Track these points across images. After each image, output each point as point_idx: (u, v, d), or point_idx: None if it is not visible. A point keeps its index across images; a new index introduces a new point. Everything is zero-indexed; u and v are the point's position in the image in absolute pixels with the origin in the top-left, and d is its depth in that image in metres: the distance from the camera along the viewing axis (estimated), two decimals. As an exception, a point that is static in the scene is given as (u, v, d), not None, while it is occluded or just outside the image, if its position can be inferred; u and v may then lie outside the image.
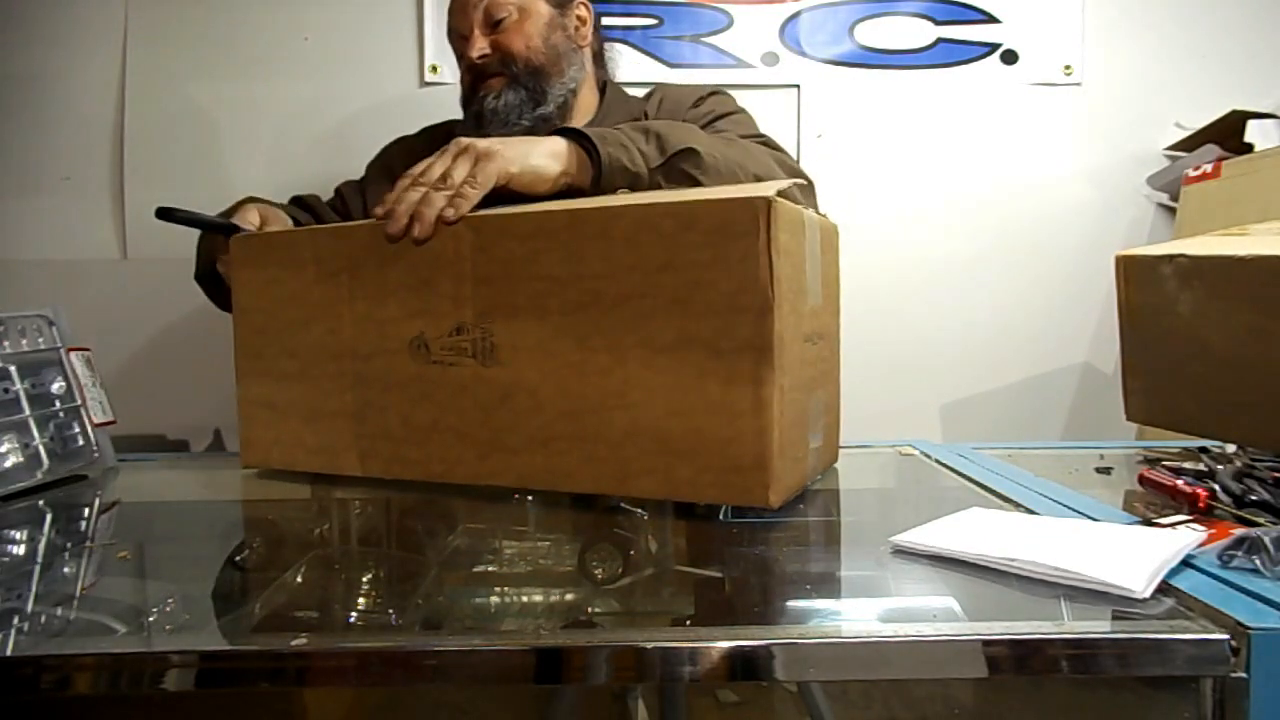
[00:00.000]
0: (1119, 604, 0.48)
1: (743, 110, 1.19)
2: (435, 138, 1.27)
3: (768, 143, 1.09)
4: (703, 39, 1.55)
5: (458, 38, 1.17)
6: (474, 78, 1.15)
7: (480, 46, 1.13)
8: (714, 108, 1.16)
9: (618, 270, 0.70)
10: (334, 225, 0.84)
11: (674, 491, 0.70)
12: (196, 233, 1.50)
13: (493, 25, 1.13)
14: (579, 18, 1.20)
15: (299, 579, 0.59)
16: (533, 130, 1.13)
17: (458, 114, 1.28)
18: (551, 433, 0.74)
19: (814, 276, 0.75)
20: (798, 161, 1.53)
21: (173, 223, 0.95)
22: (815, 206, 0.98)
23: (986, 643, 0.44)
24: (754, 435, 0.66)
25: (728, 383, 0.67)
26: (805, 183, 1.01)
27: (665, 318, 0.69)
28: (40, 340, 0.89)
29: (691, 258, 0.67)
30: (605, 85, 1.26)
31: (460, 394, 0.78)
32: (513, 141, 0.85)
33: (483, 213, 0.77)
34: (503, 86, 1.13)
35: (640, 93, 1.27)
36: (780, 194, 0.67)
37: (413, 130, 1.32)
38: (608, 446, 0.71)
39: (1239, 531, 0.54)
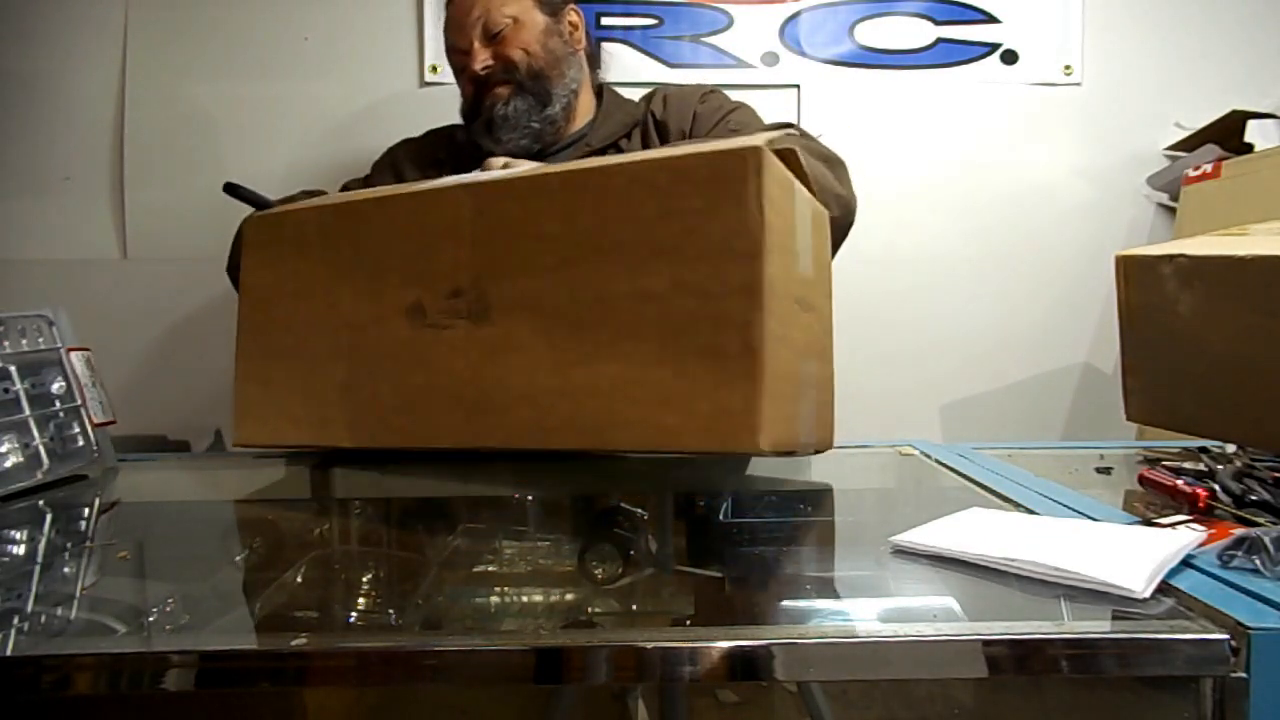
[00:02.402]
0: (1119, 604, 0.48)
1: (743, 104, 1.22)
2: (438, 140, 1.28)
3: (804, 132, 1.13)
4: (703, 39, 1.55)
5: (457, 53, 1.19)
6: (477, 89, 1.18)
7: (483, 59, 1.16)
8: (722, 103, 1.20)
9: (610, 223, 0.71)
10: (339, 202, 0.86)
11: (662, 441, 0.69)
12: (196, 233, 1.51)
13: (491, 37, 1.16)
14: (571, 23, 1.23)
15: (299, 579, 0.59)
16: (541, 132, 1.17)
17: (456, 113, 1.28)
18: (540, 388, 0.74)
19: (804, 245, 0.76)
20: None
21: (236, 198, 0.98)
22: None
23: (986, 643, 0.44)
24: (742, 377, 0.66)
25: (718, 326, 0.67)
26: (836, 160, 1.06)
27: (657, 265, 0.69)
28: (40, 340, 0.89)
29: (684, 206, 0.68)
30: (601, 89, 1.28)
31: (451, 356, 0.78)
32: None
33: (481, 179, 0.78)
34: (510, 94, 1.16)
35: (635, 93, 1.28)
36: (779, 153, 0.69)
37: (414, 130, 1.33)
38: (596, 399, 0.71)
39: (1239, 531, 0.54)
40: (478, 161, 1.10)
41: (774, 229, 0.67)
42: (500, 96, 1.16)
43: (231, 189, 1.00)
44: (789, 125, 1.14)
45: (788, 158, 0.75)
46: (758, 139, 0.69)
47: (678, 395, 0.68)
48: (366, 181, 1.26)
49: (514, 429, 0.75)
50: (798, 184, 0.75)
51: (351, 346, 0.83)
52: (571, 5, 1.23)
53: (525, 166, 0.98)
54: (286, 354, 0.87)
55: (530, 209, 0.75)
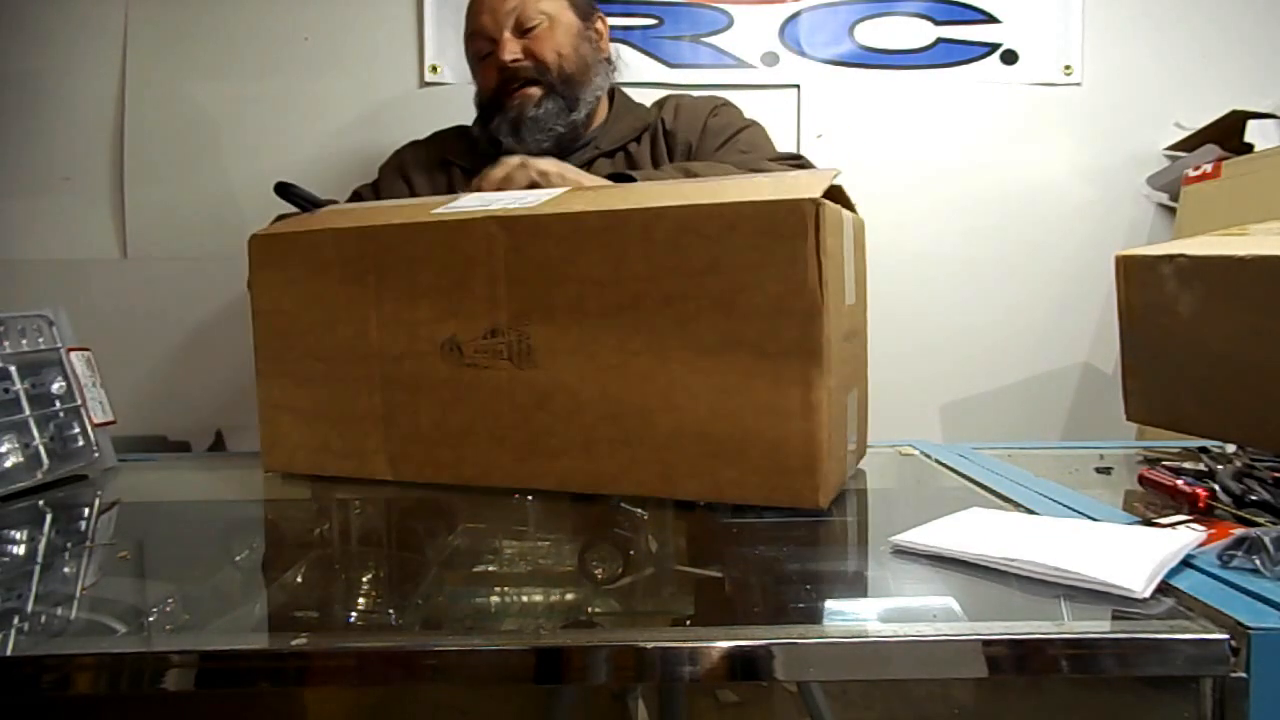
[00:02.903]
0: (1119, 604, 0.48)
1: (754, 122, 1.23)
2: (446, 141, 1.28)
3: (801, 163, 1.12)
4: (703, 39, 1.55)
5: (482, 39, 1.17)
6: (503, 81, 1.16)
7: (513, 50, 1.15)
8: (731, 120, 1.21)
9: (660, 272, 0.69)
10: (359, 225, 0.83)
11: (720, 494, 0.70)
12: (196, 232, 1.51)
13: (523, 32, 1.15)
14: (598, 30, 1.23)
15: (299, 579, 0.59)
16: (563, 135, 1.17)
17: (456, 113, 1.28)
18: (593, 436, 0.73)
19: (849, 275, 0.75)
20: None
21: (287, 200, 0.97)
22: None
23: (986, 643, 0.44)
24: (803, 437, 0.66)
25: (775, 385, 0.66)
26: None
27: (710, 320, 0.68)
28: (40, 340, 0.89)
29: (737, 260, 0.67)
30: (614, 92, 1.28)
31: (496, 397, 0.76)
32: (573, 174, 0.96)
33: (516, 212, 0.75)
34: (542, 96, 1.15)
35: (635, 93, 1.28)
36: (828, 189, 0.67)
37: (414, 130, 1.33)
38: (651, 449, 0.71)
39: (1239, 531, 0.54)
40: (491, 158, 1.10)
41: (830, 282, 0.66)
42: (531, 97, 1.15)
43: (283, 190, 0.98)
44: (797, 156, 1.14)
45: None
46: (813, 185, 0.67)
47: (735, 451, 0.68)
48: (375, 187, 1.25)
49: (567, 474, 0.75)
50: (843, 210, 0.74)
51: (385, 378, 0.81)
52: (599, 12, 1.23)
53: (544, 163, 0.98)
54: (315, 381, 0.85)
55: (571, 249, 0.72)
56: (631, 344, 0.71)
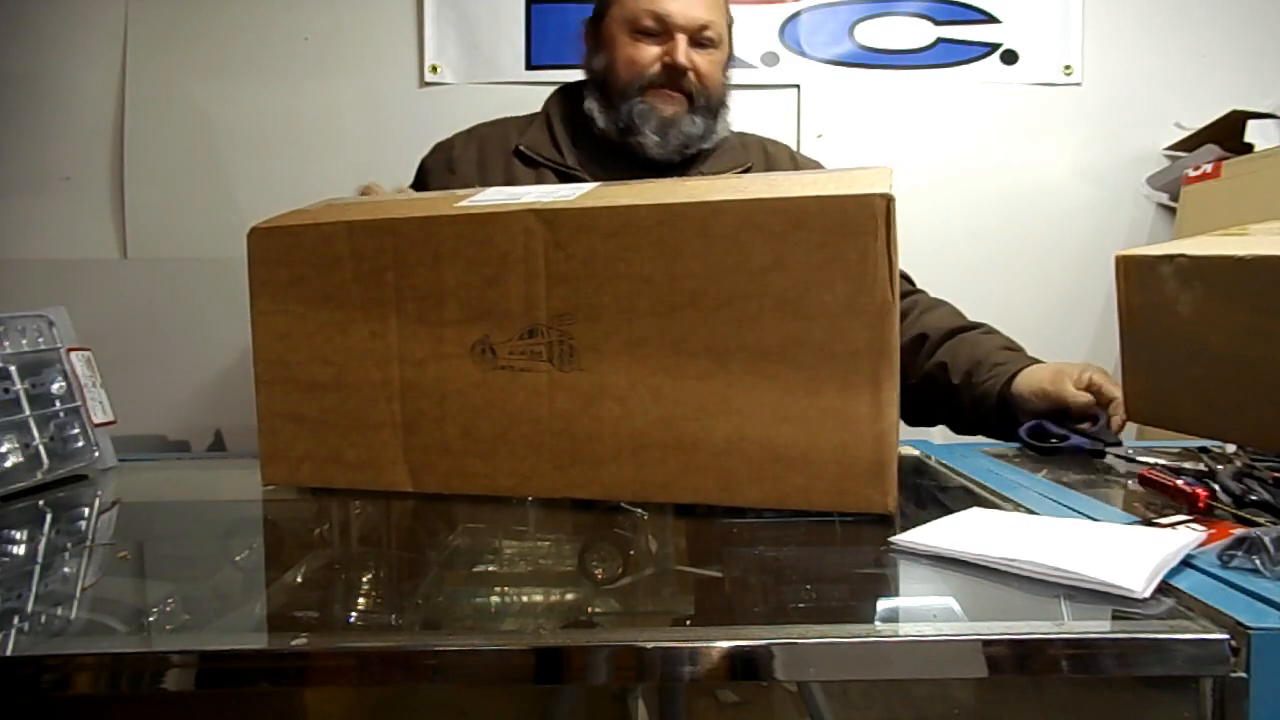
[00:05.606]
0: (1119, 604, 0.48)
1: None
2: (507, 132, 1.22)
3: None
4: (703, 39, 1.55)
5: (656, 20, 1.13)
6: (661, 72, 1.14)
7: (688, 56, 1.13)
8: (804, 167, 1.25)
9: (719, 270, 0.66)
10: (375, 218, 0.77)
11: (784, 500, 0.67)
12: (196, 233, 1.51)
13: (698, 43, 1.14)
14: (729, 75, 1.22)
15: (299, 579, 0.59)
16: (684, 156, 1.16)
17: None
18: (643, 441, 0.69)
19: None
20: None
21: None
22: None
23: (986, 643, 0.44)
24: (873, 440, 0.64)
25: (844, 387, 0.64)
26: None
27: (773, 320, 0.65)
28: (40, 340, 0.89)
29: (802, 258, 0.64)
30: None
31: (534, 401, 0.72)
32: None
33: (557, 206, 0.71)
34: (691, 111, 1.15)
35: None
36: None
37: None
38: (709, 455, 0.68)
39: (1239, 531, 0.54)
40: (600, 144, 1.11)
41: (896, 279, 0.64)
42: (682, 105, 1.15)
43: None
44: None
45: None
46: (877, 180, 0.64)
47: (800, 455, 0.66)
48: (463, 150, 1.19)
49: (615, 482, 0.71)
50: None
51: (406, 383, 0.76)
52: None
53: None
54: (324, 388, 0.78)
55: (620, 245, 0.68)
56: (687, 345, 0.67)
